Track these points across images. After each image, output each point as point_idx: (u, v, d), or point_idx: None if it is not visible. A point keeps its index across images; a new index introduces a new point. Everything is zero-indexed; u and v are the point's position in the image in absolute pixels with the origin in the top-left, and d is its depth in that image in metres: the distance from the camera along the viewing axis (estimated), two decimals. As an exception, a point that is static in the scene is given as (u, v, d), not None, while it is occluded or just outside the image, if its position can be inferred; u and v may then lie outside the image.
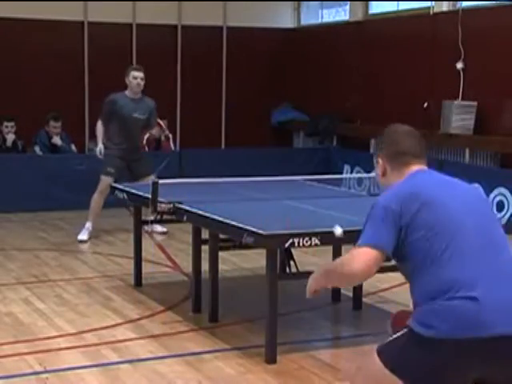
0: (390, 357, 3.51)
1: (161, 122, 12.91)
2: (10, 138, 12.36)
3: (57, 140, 12.38)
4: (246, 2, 14.67)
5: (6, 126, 12.33)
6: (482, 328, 3.29)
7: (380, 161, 3.86)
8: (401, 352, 3.49)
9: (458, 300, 3.34)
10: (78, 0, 13.63)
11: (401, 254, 3.56)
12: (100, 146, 9.86)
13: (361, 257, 3.53)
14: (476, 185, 3.70)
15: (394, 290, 7.50)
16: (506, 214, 10.40)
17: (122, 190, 7.60)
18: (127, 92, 9.85)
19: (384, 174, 3.86)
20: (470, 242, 3.49)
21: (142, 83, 9.81)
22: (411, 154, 3.84)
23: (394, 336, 3.57)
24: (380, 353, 3.55)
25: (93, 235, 10.19)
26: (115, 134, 9.86)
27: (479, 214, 3.65)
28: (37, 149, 12.50)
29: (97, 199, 9.81)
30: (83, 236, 9.74)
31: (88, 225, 9.84)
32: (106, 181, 9.53)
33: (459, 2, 12.08)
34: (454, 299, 3.35)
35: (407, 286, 7.76)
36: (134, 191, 7.35)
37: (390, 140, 3.96)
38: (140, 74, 9.78)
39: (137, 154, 10.08)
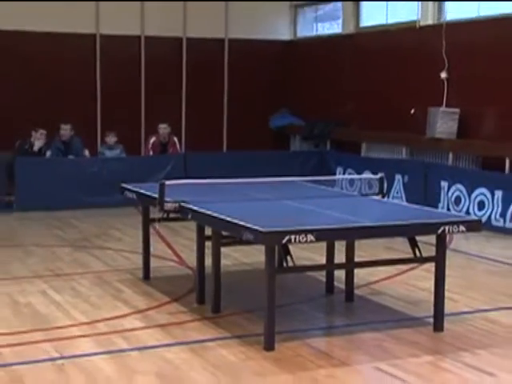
0: None
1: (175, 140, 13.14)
2: (38, 144, 12.47)
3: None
4: (247, 15, 14.74)
5: (41, 133, 12.49)
6: None
7: None
8: None
9: None
10: None
11: None
12: None
13: None
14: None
15: (382, 283, 7.52)
16: (486, 212, 10.42)
17: (131, 191, 7.61)
18: None
19: None
20: None
21: None
22: None
23: None
24: None
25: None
26: None
27: None
28: (48, 153, 12.58)
29: None
30: None
31: None
32: None
33: (443, 16, 12.11)
34: None
35: (394, 279, 7.82)
36: (142, 191, 7.36)
37: None
38: None
39: None
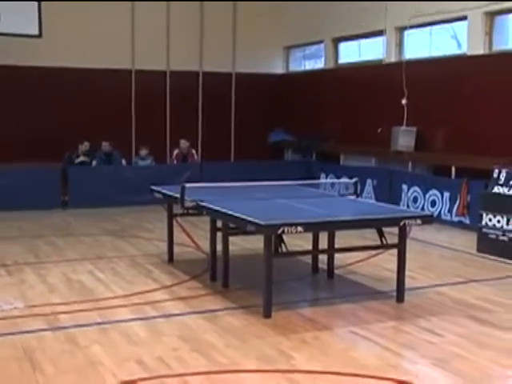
0: None
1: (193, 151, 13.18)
2: (82, 152, 12.62)
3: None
4: (249, 54, 14.76)
5: (86, 145, 12.64)
6: None
7: None
8: None
9: None
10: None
11: None
12: None
13: None
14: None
15: (357, 265, 7.52)
16: (437, 209, 10.42)
17: (158, 192, 7.61)
18: None
19: None
20: None
21: None
22: None
23: None
24: None
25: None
26: None
27: None
28: (94, 162, 12.65)
29: None
30: None
31: None
32: None
33: (403, 56, 12.12)
34: None
35: (366, 261, 7.80)
36: (167, 192, 7.35)
37: None
38: None
39: None
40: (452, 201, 10.21)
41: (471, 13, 10.58)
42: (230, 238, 6.55)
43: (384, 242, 6.19)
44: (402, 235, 6.08)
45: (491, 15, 10.44)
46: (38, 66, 12.83)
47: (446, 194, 10.34)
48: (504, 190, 8.33)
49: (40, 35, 11.88)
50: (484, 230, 8.41)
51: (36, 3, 11.38)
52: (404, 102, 11.65)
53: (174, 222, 7.83)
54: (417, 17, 11.51)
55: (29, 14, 11.20)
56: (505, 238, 8.14)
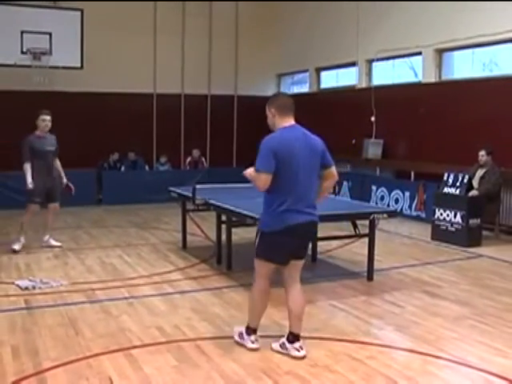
0: (262, 252, 3.96)
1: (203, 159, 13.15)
2: (113, 159, 12.71)
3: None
4: (248, 80, 14.75)
5: (116, 155, 12.78)
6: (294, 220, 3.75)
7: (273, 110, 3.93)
8: (265, 245, 3.90)
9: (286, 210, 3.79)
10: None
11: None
12: (30, 180, 7.07)
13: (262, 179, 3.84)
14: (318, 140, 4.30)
15: (335, 251, 7.55)
16: (399, 205, 10.45)
17: (174, 192, 7.60)
18: (37, 132, 7.25)
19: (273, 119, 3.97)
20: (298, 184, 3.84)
21: (50, 124, 7.27)
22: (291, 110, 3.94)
23: (256, 242, 3.90)
24: (257, 255, 3.96)
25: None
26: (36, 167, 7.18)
27: (309, 166, 4.00)
28: (122, 168, 12.66)
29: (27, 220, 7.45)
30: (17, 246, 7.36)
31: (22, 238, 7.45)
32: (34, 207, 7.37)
33: (372, 82, 12.15)
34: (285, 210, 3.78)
35: (342, 248, 7.77)
36: (181, 192, 7.35)
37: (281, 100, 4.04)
38: (47, 117, 7.25)
39: (52, 180, 7.35)
40: (411, 199, 10.24)
41: (425, 50, 10.67)
42: (233, 229, 6.56)
43: (357, 232, 6.22)
44: (372, 227, 6.11)
45: (440, 52, 10.56)
46: (80, 91, 12.86)
47: (407, 194, 10.36)
48: (452, 190, 8.37)
49: (81, 67, 12.07)
50: (436, 222, 8.45)
51: (79, 43, 11.81)
52: (373, 119, 11.68)
53: (187, 217, 7.84)
54: (382, 52, 11.57)
55: (73, 51, 11.81)
56: (452, 229, 8.18)
